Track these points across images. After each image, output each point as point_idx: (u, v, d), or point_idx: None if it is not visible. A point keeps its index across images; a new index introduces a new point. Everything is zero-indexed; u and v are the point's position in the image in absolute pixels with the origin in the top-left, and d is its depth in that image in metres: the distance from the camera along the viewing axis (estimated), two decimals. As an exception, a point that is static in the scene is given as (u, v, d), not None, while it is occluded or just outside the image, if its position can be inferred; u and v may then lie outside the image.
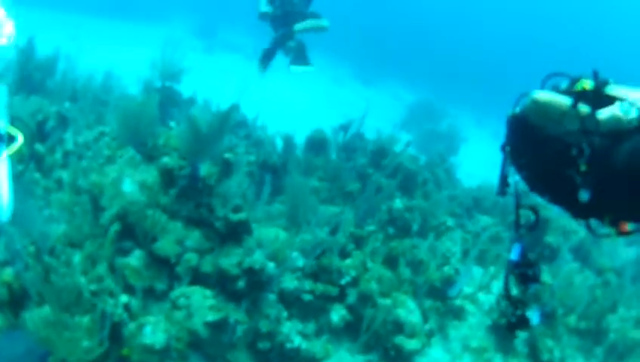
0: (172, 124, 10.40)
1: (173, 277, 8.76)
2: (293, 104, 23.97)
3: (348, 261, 9.61)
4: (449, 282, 10.01)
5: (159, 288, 8.75)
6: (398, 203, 10.87)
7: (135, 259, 8.74)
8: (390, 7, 47.50)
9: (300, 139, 13.77)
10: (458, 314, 10.44)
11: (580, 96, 4.29)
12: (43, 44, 14.12)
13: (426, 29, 44.84)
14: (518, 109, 4.71)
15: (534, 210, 4.69)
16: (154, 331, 8.10)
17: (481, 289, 10.74)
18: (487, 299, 10.77)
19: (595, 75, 4.44)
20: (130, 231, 8.82)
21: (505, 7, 55.69)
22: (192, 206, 9.02)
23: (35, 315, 7.63)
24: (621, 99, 4.16)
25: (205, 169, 9.07)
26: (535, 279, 4.54)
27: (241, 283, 8.64)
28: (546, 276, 10.47)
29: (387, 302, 9.31)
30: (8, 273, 8.04)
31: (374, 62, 33.96)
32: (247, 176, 11.10)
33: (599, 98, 4.26)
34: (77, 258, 8.55)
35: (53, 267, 7.89)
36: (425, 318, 9.76)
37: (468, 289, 10.68)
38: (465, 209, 13.31)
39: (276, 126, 14.71)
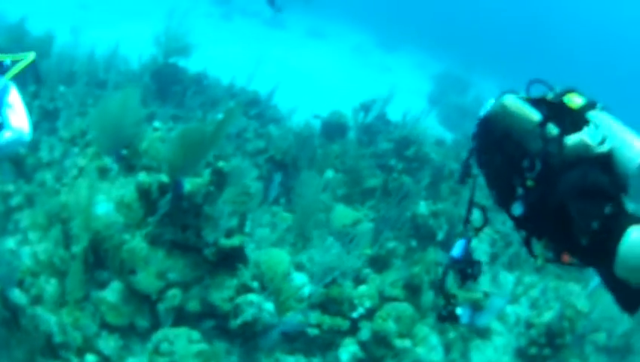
0: (156, 124, 8.33)
1: (157, 312, 6.93)
2: (311, 75, 21.41)
3: (362, 288, 7.66)
4: (476, 306, 7.96)
5: (141, 325, 6.96)
6: (423, 207, 8.78)
7: (112, 292, 6.93)
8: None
9: (318, 111, 11.71)
10: (483, 333, 8.56)
11: (553, 114, 3.89)
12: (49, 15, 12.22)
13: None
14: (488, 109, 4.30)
15: (484, 210, 4.42)
16: (134, 388, 6.39)
17: (511, 302, 8.75)
18: (516, 312, 8.76)
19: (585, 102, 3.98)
20: (106, 259, 7.01)
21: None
22: (176, 228, 6.99)
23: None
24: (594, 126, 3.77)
25: (192, 184, 6.99)
26: (473, 277, 4.25)
27: (234, 324, 6.68)
28: (581, 302, 8.42)
29: (406, 343, 7.26)
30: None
31: (396, 29, 30.53)
32: (254, 168, 9.10)
33: (575, 120, 3.87)
34: (50, 289, 6.90)
35: (21, 307, 6.56)
36: (447, 350, 7.80)
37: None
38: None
39: (293, 101, 12.67)
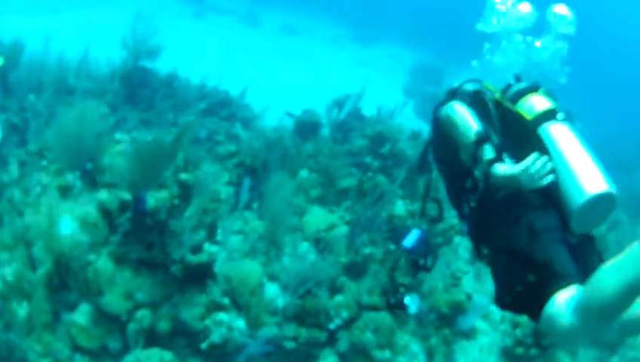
0: (118, 136, 7.92)
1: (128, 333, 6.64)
2: (286, 72, 20.66)
3: (339, 298, 7.30)
4: (459, 309, 7.59)
5: (113, 347, 6.65)
6: (400, 207, 8.37)
7: (82, 315, 6.62)
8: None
9: (292, 108, 11.31)
10: (467, 333, 8.12)
11: (500, 128, 3.59)
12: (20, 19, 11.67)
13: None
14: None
15: (438, 203, 4.13)
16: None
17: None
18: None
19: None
20: (73, 281, 6.66)
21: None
22: (141, 246, 6.62)
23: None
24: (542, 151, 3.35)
25: (155, 199, 6.61)
26: (426, 269, 4.05)
27: (203, 346, 6.34)
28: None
29: (386, 354, 6.91)
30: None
31: (371, 22, 29.67)
32: (225, 172, 8.74)
33: (526, 134, 3.50)
34: (21, 312, 6.54)
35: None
36: (430, 356, 7.46)
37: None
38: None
39: (267, 99, 12.24)
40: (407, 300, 4.06)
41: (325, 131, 11.00)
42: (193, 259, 6.58)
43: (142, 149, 6.38)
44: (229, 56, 13.04)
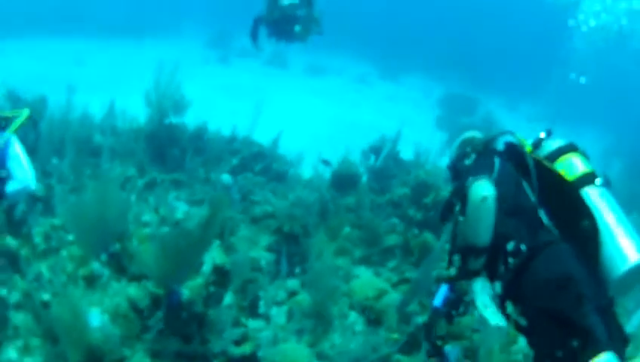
0: (146, 217, 7.34)
1: None
2: (317, 113, 19.97)
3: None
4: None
5: None
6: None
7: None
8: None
9: (327, 151, 10.71)
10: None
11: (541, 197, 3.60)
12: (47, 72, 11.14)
13: (444, 15, 38.06)
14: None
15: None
16: None
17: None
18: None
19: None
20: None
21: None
22: (179, 339, 5.99)
23: None
24: None
25: (190, 289, 6.00)
26: (462, 314, 3.90)
27: None
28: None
29: None
30: None
31: (397, 57, 29.06)
32: (263, 235, 8.15)
33: (567, 199, 3.50)
34: None
35: None
36: None
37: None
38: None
39: (300, 143, 11.67)
40: (447, 348, 3.97)
41: (363, 179, 10.37)
42: (236, 350, 6.00)
43: (168, 243, 5.78)
44: (257, 101, 12.46)
